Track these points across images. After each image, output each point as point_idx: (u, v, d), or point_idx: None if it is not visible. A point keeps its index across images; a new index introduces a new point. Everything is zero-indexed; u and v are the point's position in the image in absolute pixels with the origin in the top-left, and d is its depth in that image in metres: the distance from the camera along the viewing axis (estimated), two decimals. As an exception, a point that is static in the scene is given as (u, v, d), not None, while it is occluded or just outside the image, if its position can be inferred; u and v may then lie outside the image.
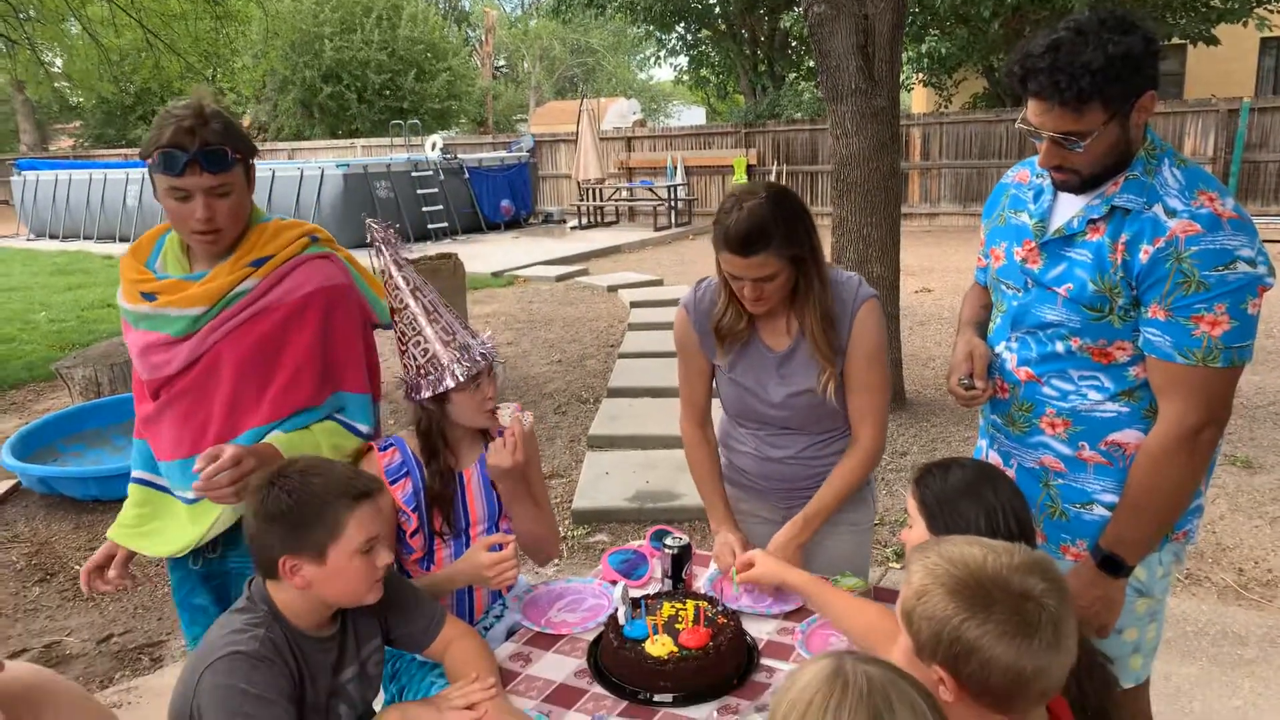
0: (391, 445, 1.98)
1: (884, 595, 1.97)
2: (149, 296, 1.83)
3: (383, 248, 1.92)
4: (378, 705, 2.00)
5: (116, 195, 15.90)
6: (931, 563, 1.17)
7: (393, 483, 1.94)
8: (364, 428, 1.94)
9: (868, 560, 2.21)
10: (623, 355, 6.91)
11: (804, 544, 2.05)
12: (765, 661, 1.75)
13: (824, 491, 2.05)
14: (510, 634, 1.97)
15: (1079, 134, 1.59)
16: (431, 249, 11.26)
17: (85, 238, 16.12)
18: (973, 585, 1.12)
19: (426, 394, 1.90)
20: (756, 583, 1.89)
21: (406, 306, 1.91)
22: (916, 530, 1.57)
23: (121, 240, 15.67)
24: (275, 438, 1.81)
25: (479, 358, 1.92)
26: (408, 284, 1.91)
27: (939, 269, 10.36)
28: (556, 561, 3.97)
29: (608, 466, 4.79)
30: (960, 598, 1.11)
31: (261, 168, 14.60)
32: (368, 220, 2.00)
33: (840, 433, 2.10)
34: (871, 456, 2.06)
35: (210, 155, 1.70)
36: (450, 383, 1.88)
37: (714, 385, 2.19)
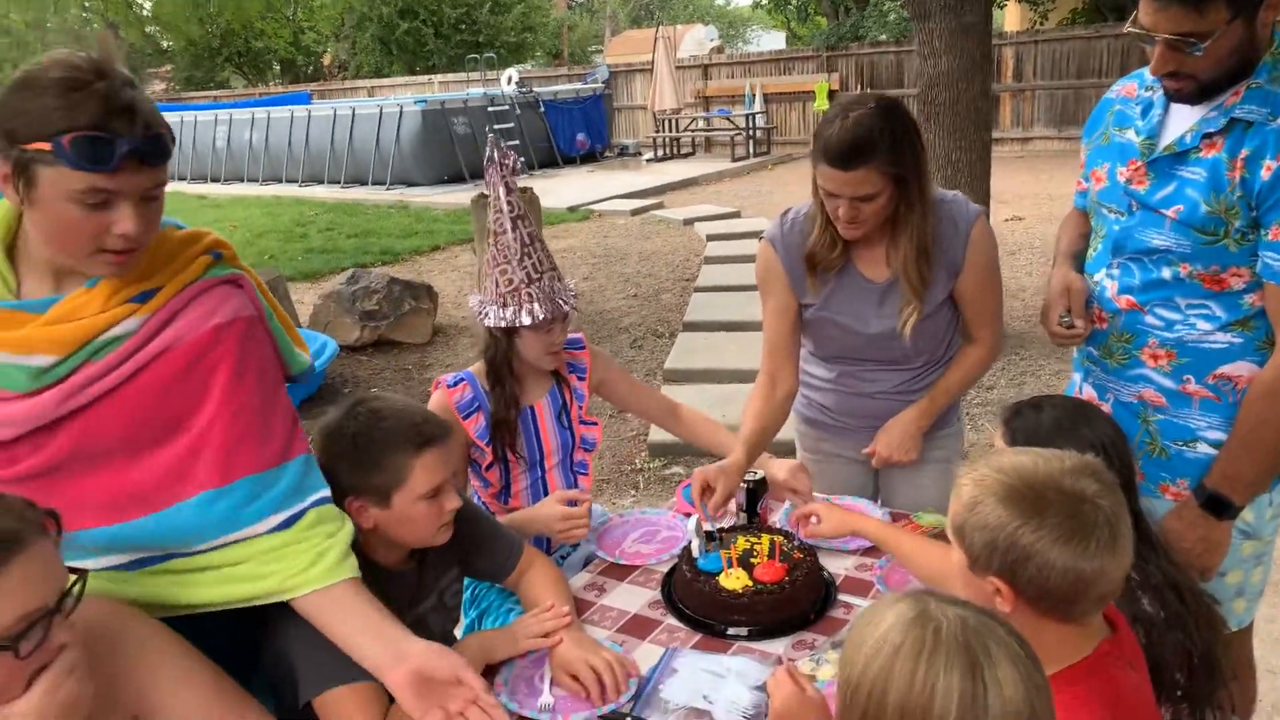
0: (462, 380, 1.99)
1: (967, 532, 1.91)
2: None
3: (500, 168, 1.88)
4: (459, 633, 2.05)
5: (207, 137, 16.35)
6: (980, 475, 1.16)
7: (465, 417, 1.95)
8: (326, 492, 1.42)
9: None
10: (698, 289, 6.84)
11: (925, 429, 1.99)
12: (843, 597, 1.72)
13: (949, 376, 2.01)
14: (586, 563, 1.98)
15: (1198, 35, 1.45)
16: (508, 184, 11.24)
17: (179, 178, 16.65)
18: (1025, 491, 1.11)
19: (500, 324, 1.90)
20: (819, 537, 1.79)
21: (506, 232, 1.89)
22: None
23: (213, 180, 16.15)
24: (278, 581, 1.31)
25: (559, 304, 1.91)
26: (511, 210, 1.88)
27: (1031, 196, 9.89)
28: (633, 493, 4.00)
29: (683, 400, 4.76)
30: (1013, 504, 1.11)
31: (342, 106, 14.85)
32: (491, 137, 1.96)
33: (937, 364, 2.03)
34: (992, 351, 2.03)
35: (154, 144, 1.19)
36: (526, 320, 1.87)
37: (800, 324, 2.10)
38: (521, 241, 1.89)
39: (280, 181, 15.24)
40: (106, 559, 1.31)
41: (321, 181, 14.64)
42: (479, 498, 2.10)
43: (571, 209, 10.89)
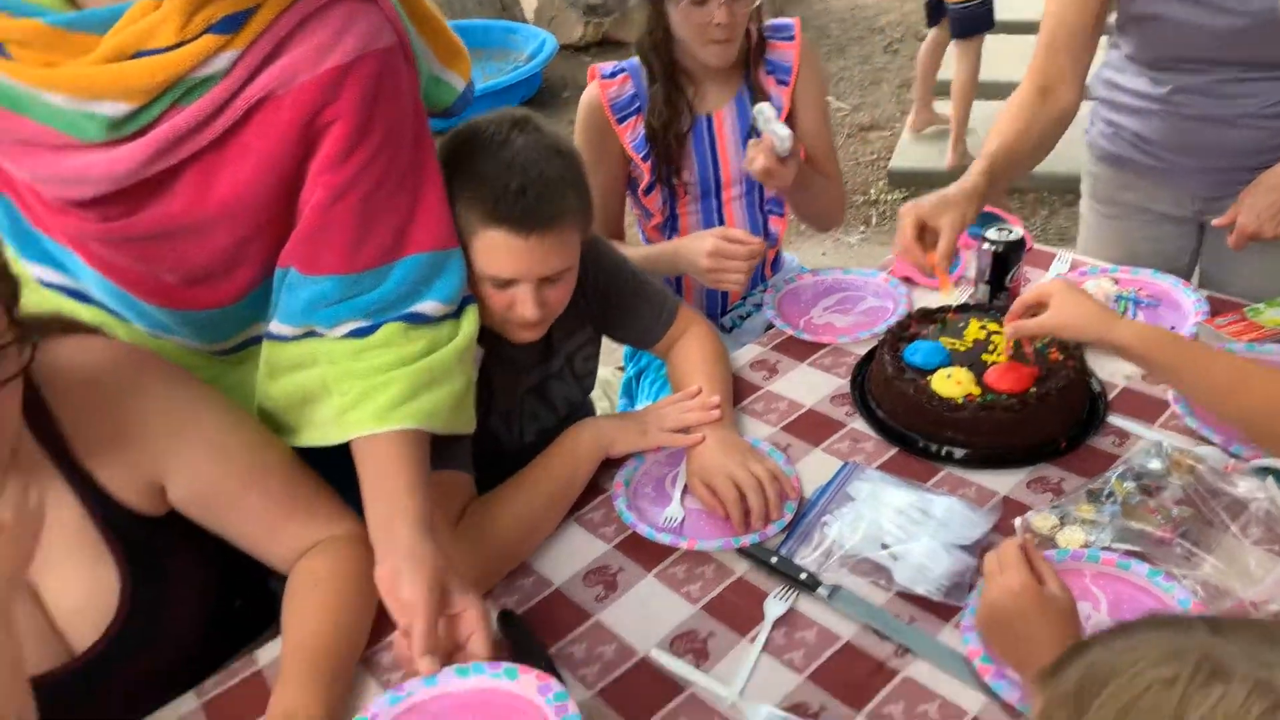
0: (623, 71, 1.54)
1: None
2: None
3: None
4: (609, 404, 1.76)
5: None
6: None
7: (620, 120, 1.52)
8: (442, 306, 1.03)
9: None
10: (980, -21, 5.59)
11: None
12: (1114, 420, 1.20)
13: None
14: (768, 331, 1.56)
15: None
16: None
17: None
18: None
19: None
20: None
21: None
22: None
23: None
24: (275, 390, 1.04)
25: None
26: None
27: None
28: (862, 230, 3.43)
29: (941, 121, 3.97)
30: None
31: None
32: None
33: None
34: None
35: None
36: None
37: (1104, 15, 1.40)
38: None
39: None
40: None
41: None
42: (640, 230, 1.70)
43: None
